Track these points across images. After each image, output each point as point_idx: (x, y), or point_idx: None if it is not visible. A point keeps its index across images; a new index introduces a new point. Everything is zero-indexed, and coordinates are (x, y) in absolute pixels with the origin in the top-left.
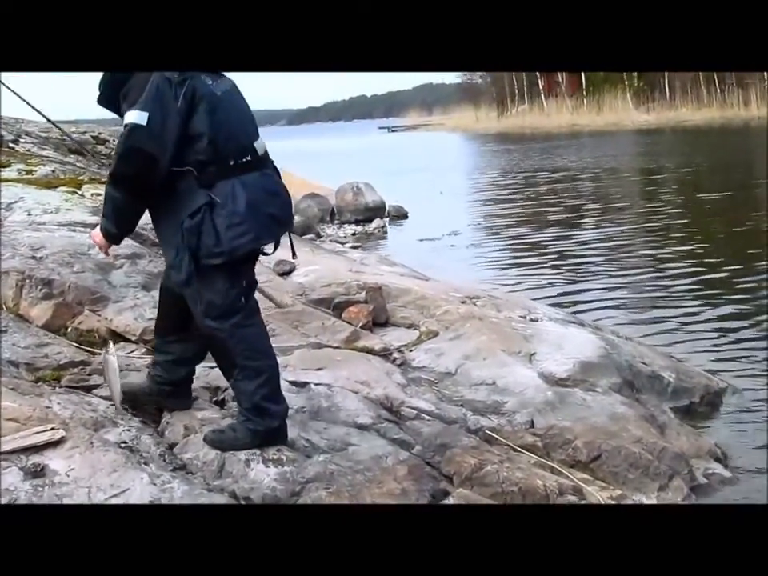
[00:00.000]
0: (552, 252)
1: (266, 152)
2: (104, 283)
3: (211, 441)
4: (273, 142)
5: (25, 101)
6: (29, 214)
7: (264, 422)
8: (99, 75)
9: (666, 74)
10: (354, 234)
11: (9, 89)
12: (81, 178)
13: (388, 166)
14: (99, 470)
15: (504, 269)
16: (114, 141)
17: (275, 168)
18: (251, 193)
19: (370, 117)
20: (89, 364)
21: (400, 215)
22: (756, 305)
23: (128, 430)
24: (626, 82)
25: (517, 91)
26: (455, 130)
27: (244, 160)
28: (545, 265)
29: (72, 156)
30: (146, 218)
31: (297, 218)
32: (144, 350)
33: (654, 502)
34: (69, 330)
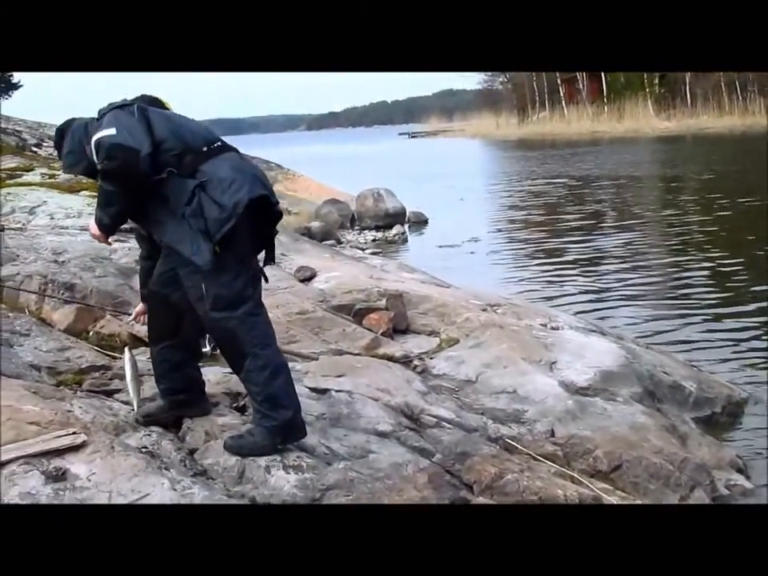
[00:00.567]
0: (572, 259)
1: None
2: (125, 288)
3: (230, 447)
4: (292, 148)
5: None
6: (51, 218)
7: (279, 415)
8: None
9: (687, 81)
10: (374, 240)
11: None
12: None
13: (408, 171)
14: (120, 475)
15: (524, 276)
16: None
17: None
18: (231, 161)
19: (390, 122)
20: (110, 368)
21: (420, 221)
22: None
23: (149, 435)
24: (647, 89)
25: (537, 98)
26: (476, 136)
27: (215, 146)
28: (565, 272)
29: None
30: None
31: (317, 224)
32: None
33: None
34: (90, 334)
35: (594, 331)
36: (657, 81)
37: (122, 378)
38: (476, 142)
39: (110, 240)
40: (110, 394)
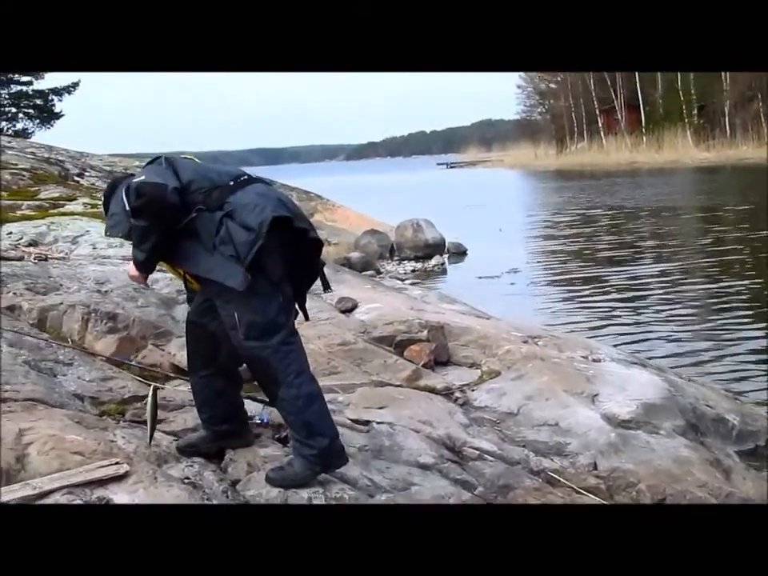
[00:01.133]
0: (612, 290)
1: None
2: (167, 318)
3: (272, 480)
4: (331, 178)
5: None
6: (94, 248)
7: (315, 443)
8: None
9: (726, 111)
10: (413, 271)
11: None
12: None
13: (447, 202)
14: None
15: (564, 307)
16: None
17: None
18: (257, 189)
19: (429, 153)
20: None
21: (459, 252)
22: None
23: (191, 466)
24: (686, 120)
25: (576, 128)
26: (514, 166)
27: (241, 179)
28: (605, 303)
29: None
30: None
31: (357, 254)
32: None
33: None
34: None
35: (636, 363)
36: (696, 111)
37: (165, 408)
38: (515, 173)
39: (148, 282)
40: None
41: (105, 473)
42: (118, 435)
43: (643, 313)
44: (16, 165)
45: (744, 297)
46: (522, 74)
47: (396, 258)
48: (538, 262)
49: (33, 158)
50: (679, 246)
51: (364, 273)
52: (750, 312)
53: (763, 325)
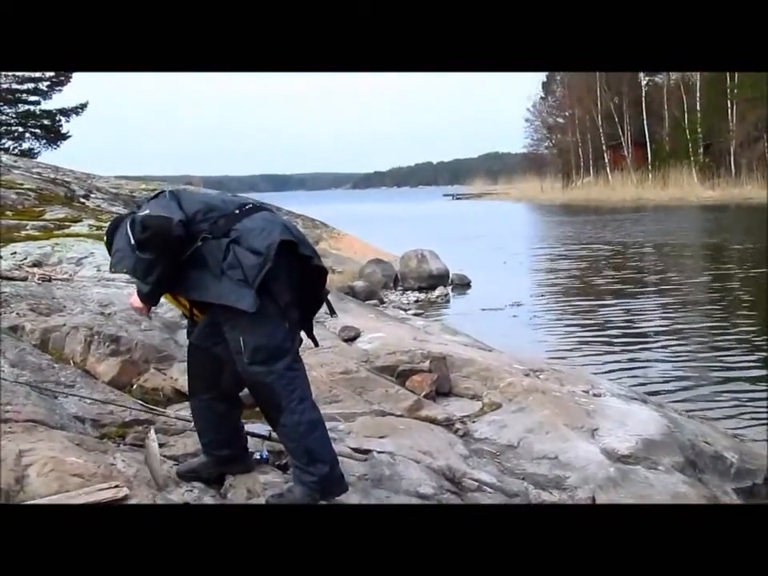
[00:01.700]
0: (614, 325)
1: None
2: (170, 342)
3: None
4: (338, 206)
5: None
6: (98, 270)
7: (316, 470)
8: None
9: (732, 150)
10: (417, 301)
11: None
12: None
13: (452, 233)
14: None
15: (566, 341)
16: None
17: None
18: (262, 215)
19: (435, 183)
20: (153, 422)
21: (463, 284)
22: None
23: (191, 491)
24: (692, 158)
25: (582, 163)
26: (520, 199)
27: (246, 207)
28: (607, 338)
29: None
30: None
31: (361, 283)
32: None
33: None
34: (134, 387)
35: (636, 399)
36: (702, 150)
37: (166, 432)
38: (520, 206)
39: (150, 315)
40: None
41: (104, 496)
42: (118, 458)
43: (644, 348)
44: (22, 185)
45: (743, 333)
46: (530, 107)
47: (400, 287)
48: (542, 295)
49: (39, 179)
50: (681, 282)
51: (368, 302)
52: (750, 349)
53: (761, 363)
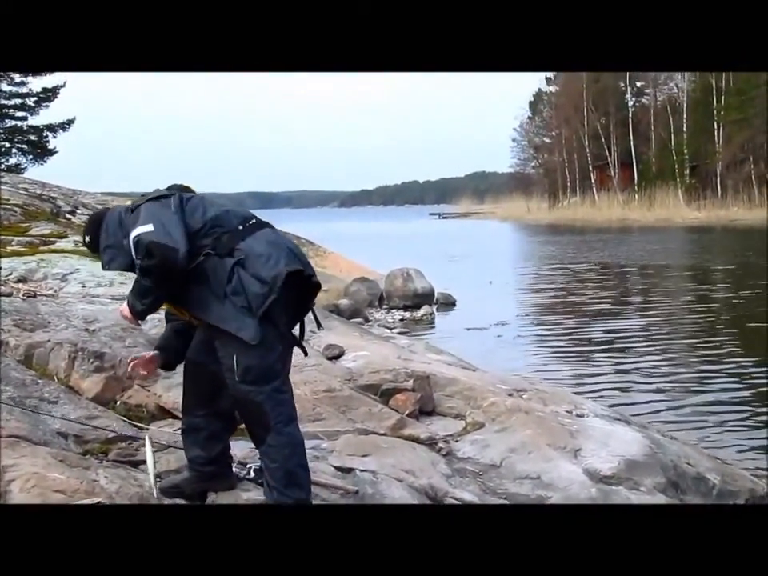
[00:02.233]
0: (599, 346)
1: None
2: None
3: None
4: (325, 224)
5: None
6: (83, 286)
7: (293, 493)
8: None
9: (718, 172)
10: (402, 320)
11: None
12: None
13: (438, 252)
14: None
15: (550, 362)
16: None
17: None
18: (267, 237)
19: (422, 202)
20: (137, 439)
21: (448, 303)
22: None
23: None
24: (678, 179)
25: (569, 183)
26: (506, 219)
27: (249, 223)
28: (591, 358)
29: None
30: None
31: (346, 302)
32: None
33: None
34: (118, 403)
35: (619, 419)
36: (688, 171)
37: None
38: (506, 225)
39: (139, 322)
40: (135, 464)
41: None
42: (101, 475)
43: (627, 368)
44: (8, 200)
45: (724, 354)
46: (517, 127)
47: (385, 306)
48: (526, 314)
49: (25, 194)
50: (664, 302)
51: (352, 320)
52: (733, 369)
53: (745, 384)
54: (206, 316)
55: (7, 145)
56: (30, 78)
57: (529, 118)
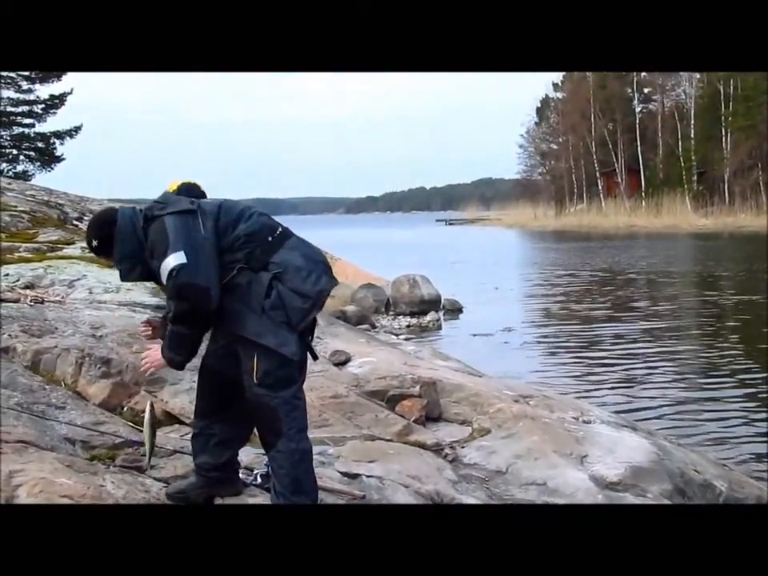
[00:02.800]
0: (605, 352)
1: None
2: None
3: None
4: (331, 231)
5: None
6: (90, 292)
7: (299, 500)
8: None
9: (726, 178)
10: (408, 326)
11: None
12: None
13: (445, 258)
14: None
15: (557, 368)
16: None
17: None
18: (300, 249)
19: (428, 209)
20: (143, 444)
21: (455, 309)
22: None
23: None
24: (686, 186)
25: (576, 190)
26: (513, 225)
27: (277, 233)
28: (597, 365)
29: None
30: None
31: (352, 308)
32: None
33: None
34: (125, 409)
35: (625, 426)
36: (695, 177)
37: (156, 455)
38: (513, 232)
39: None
40: (142, 470)
41: None
42: (108, 480)
43: (634, 374)
44: (15, 207)
45: (731, 360)
46: (523, 133)
47: (391, 312)
48: (532, 321)
49: (32, 201)
50: (672, 309)
51: (359, 326)
52: (737, 376)
53: (751, 391)
54: (241, 330)
55: (14, 152)
56: (36, 85)
57: (536, 124)
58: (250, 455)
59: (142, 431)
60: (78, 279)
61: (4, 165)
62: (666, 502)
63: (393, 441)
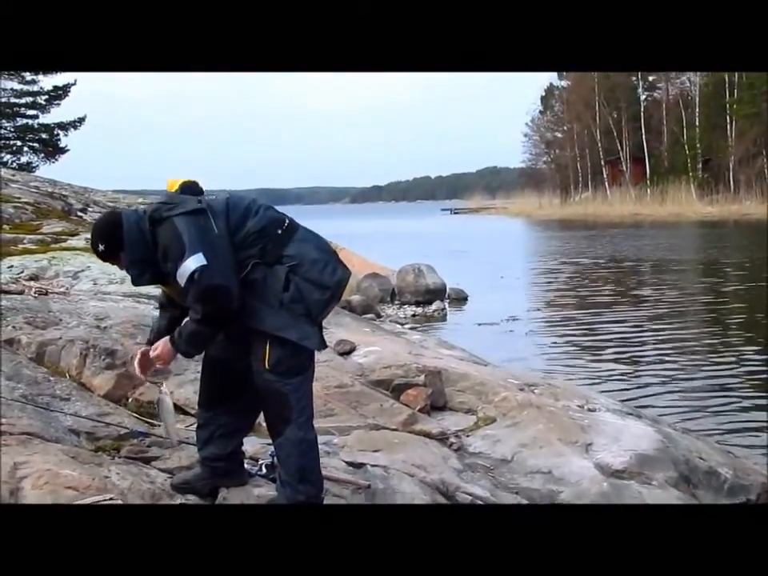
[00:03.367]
0: (610, 340)
1: None
2: None
3: None
4: (336, 221)
5: None
6: (94, 284)
7: (305, 489)
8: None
9: (731, 166)
10: (413, 316)
11: None
12: None
13: (450, 248)
14: None
15: (562, 356)
16: None
17: None
18: (312, 241)
19: (433, 198)
20: (148, 435)
21: (460, 298)
22: None
23: (184, 504)
24: (691, 174)
25: (581, 179)
26: (518, 215)
27: (286, 225)
28: (603, 353)
29: None
30: None
31: (357, 297)
32: None
33: None
34: (129, 400)
35: (630, 414)
36: (700, 166)
37: (161, 446)
38: (518, 221)
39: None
40: (147, 461)
41: None
42: (113, 471)
43: (642, 365)
44: (19, 198)
45: (737, 346)
46: (528, 122)
47: (397, 302)
48: (538, 309)
49: (36, 192)
50: (677, 297)
51: (364, 316)
52: (742, 363)
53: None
54: (260, 325)
55: (18, 143)
56: (40, 77)
57: (540, 113)
58: (255, 445)
59: (146, 422)
60: (83, 270)
61: (8, 156)
62: (672, 489)
63: (398, 430)
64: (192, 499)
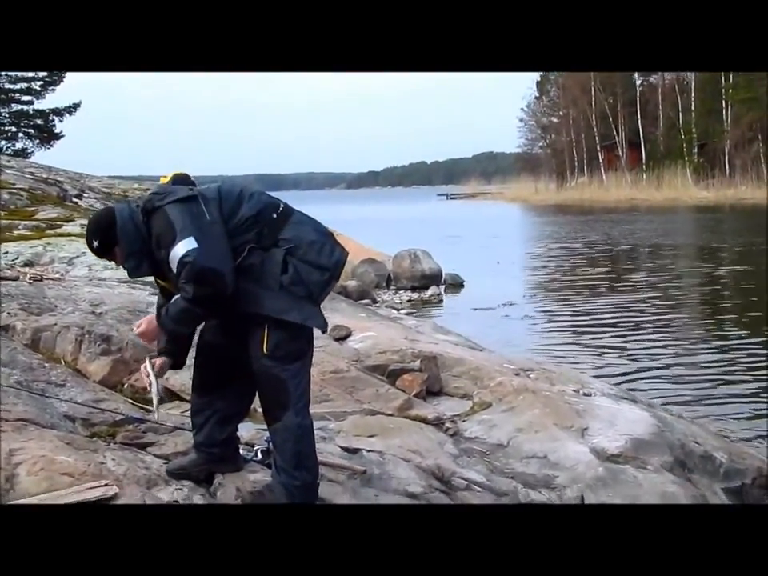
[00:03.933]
0: (606, 324)
1: None
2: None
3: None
4: (332, 206)
5: None
6: (90, 270)
7: (301, 475)
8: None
9: (726, 151)
10: (409, 301)
11: None
12: None
13: (446, 233)
14: None
15: (558, 341)
16: None
17: None
18: (308, 223)
19: (430, 183)
20: (144, 421)
21: (456, 283)
22: None
23: (180, 490)
24: (686, 158)
25: (576, 164)
26: (514, 200)
27: (280, 209)
28: (598, 338)
29: None
30: None
31: (353, 283)
32: None
33: None
34: (125, 386)
35: (626, 398)
36: (696, 150)
37: (156, 431)
38: (514, 206)
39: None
40: (143, 447)
41: (94, 494)
42: (108, 457)
43: (638, 349)
44: (14, 185)
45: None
46: (524, 107)
47: (393, 287)
48: (533, 294)
49: (31, 178)
50: (673, 281)
51: (360, 301)
52: (739, 347)
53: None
54: (260, 309)
55: (13, 129)
56: None
57: (536, 97)
58: (251, 431)
59: (142, 408)
60: (78, 257)
61: (3, 142)
62: (667, 474)
63: (393, 415)
64: (187, 485)
